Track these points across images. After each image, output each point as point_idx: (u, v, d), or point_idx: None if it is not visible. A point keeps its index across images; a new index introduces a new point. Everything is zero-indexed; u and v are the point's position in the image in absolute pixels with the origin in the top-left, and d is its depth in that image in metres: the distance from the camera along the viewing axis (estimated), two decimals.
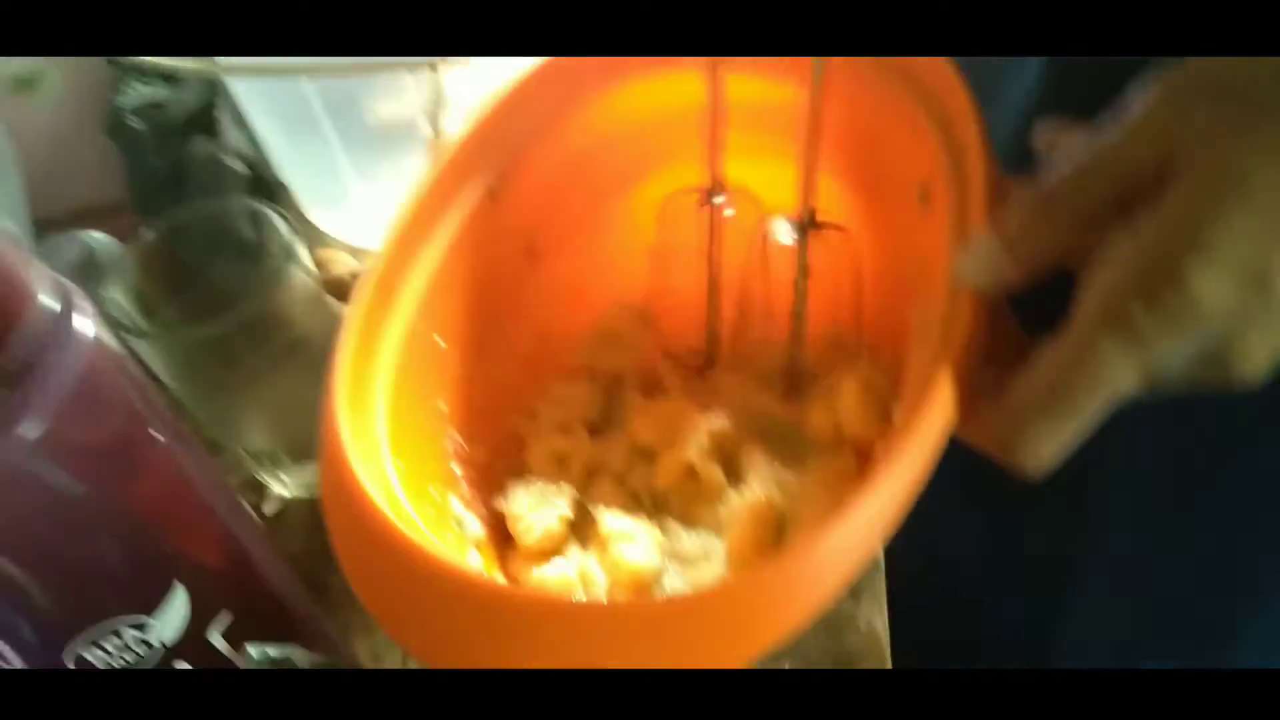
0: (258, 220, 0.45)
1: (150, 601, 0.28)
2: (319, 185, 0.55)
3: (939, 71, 0.35)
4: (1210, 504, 0.45)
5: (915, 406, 0.28)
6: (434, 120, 0.48)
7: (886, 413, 0.39)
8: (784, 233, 0.40)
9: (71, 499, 0.25)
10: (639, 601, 0.32)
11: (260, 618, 0.33)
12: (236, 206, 0.43)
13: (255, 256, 0.45)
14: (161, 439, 0.28)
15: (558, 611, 0.27)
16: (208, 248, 0.45)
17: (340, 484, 0.29)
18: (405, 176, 0.55)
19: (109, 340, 0.26)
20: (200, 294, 0.44)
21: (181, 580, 0.29)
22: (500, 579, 0.37)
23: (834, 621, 0.42)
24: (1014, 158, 0.33)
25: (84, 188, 0.53)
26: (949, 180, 0.35)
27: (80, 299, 0.26)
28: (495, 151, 0.39)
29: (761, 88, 0.40)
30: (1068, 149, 0.31)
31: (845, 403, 0.39)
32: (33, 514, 0.24)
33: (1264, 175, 0.23)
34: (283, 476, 0.46)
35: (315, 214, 0.57)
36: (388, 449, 0.33)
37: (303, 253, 0.45)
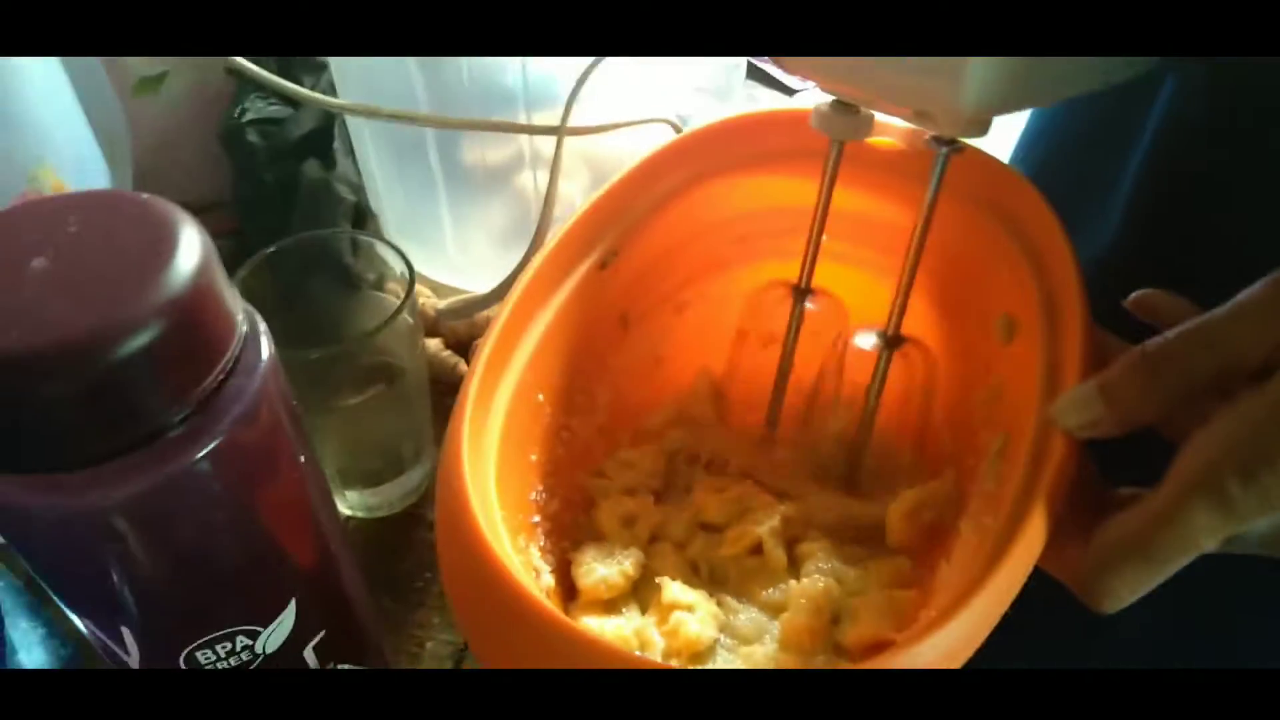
0: (361, 249, 0.47)
1: (269, 615, 0.29)
2: (413, 220, 0.57)
3: (1035, 208, 0.38)
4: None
5: (1011, 535, 0.30)
6: (551, 180, 0.50)
7: (932, 527, 0.41)
8: (867, 341, 0.43)
9: (221, 510, 0.26)
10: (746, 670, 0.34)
11: (346, 638, 0.34)
12: (347, 234, 0.45)
13: (355, 284, 0.47)
14: (302, 459, 0.30)
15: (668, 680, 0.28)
16: (310, 270, 0.46)
17: (459, 527, 0.31)
18: (496, 223, 0.57)
19: (277, 362, 0.28)
20: (297, 315, 0.46)
21: (295, 596, 0.30)
22: None
23: None
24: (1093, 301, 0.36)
25: (188, 193, 0.55)
26: (1040, 316, 0.37)
27: (260, 321, 0.28)
28: (612, 225, 0.42)
29: (865, 203, 0.43)
30: (1168, 316, 0.33)
31: (894, 513, 0.42)
32: (185, 522, 0.26)
33: None
34: (346, 494, 0.47)
35: (404, 248, 0.59)
36: (494, 495, 0.34)
37: (401, 286, 0.47)
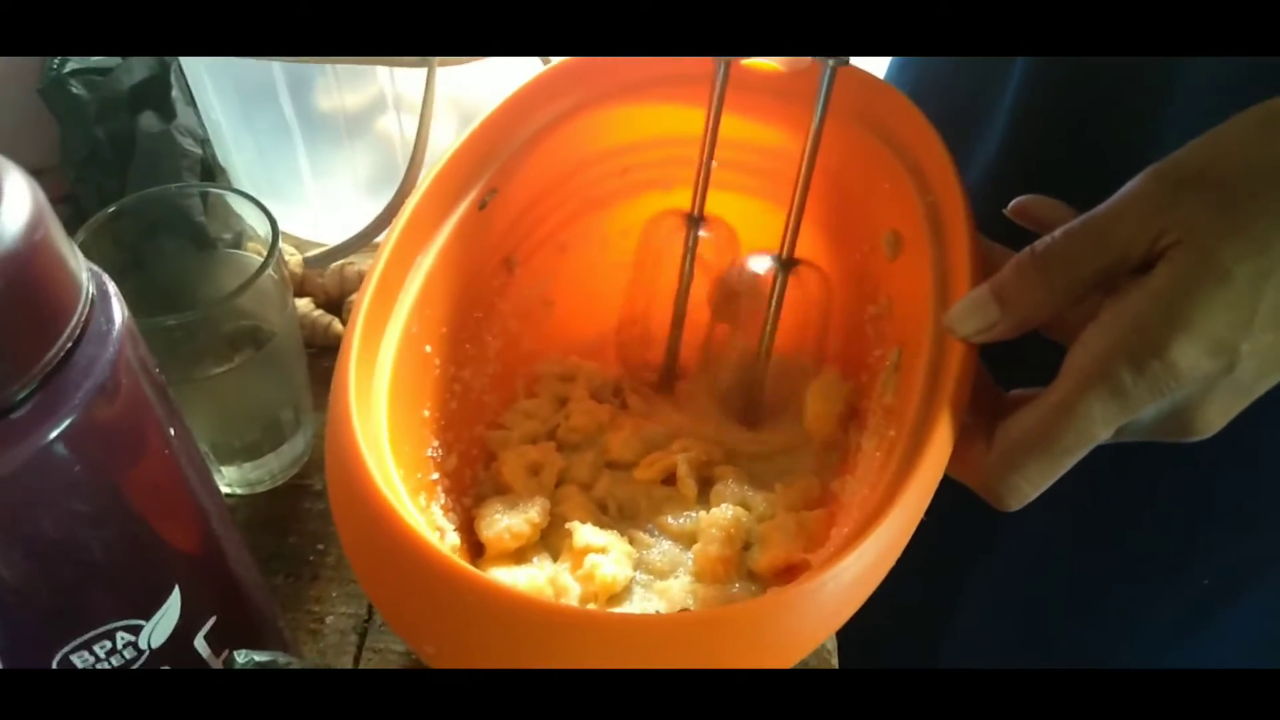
0: (213, 206, 0.43)
1: (150, 606, 0.27)
2: (268, 172, 0.53)
3: (914, 124, 0.38)
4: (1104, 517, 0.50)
5: (918, 445, 0.30)
6: (422, 119, 0.47)
7: (849, 413, 0.42)
8: (761, 265, 0.42)
9: (85, 496, 0.24)
10: (673, 616, 0.33)
11: (238, 622, 0.31)
12: (194, 188, 0.42)
13: (209, 244, 0.44)
14: (172, 432, 0.27)
15: (590, 622, 0.27)
16: (157, 231, 0.42)
17: (356, 493, 0.29)
18: (361, 171, 0.54)
19: (133, 328, 0.25)
20: (146, 280, 0.42)
21: (178, 583, 0.28)
22: None
23: None
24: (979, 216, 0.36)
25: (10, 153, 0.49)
26: (925, 230, 0.37)
27: (109, 283, 0.25)
28: (488, 162, 0.39)
29: (753, 130, 0.42)
30: (1049, 220, 0.34)
31: (811, 407, 0.42)
32: (44, 512, 0.23)
33: (1243, 268, 0.26)
34: (224, 471, 0.44)
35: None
36: (390, 455, 0.32)
37: (262, 245, 0.43)
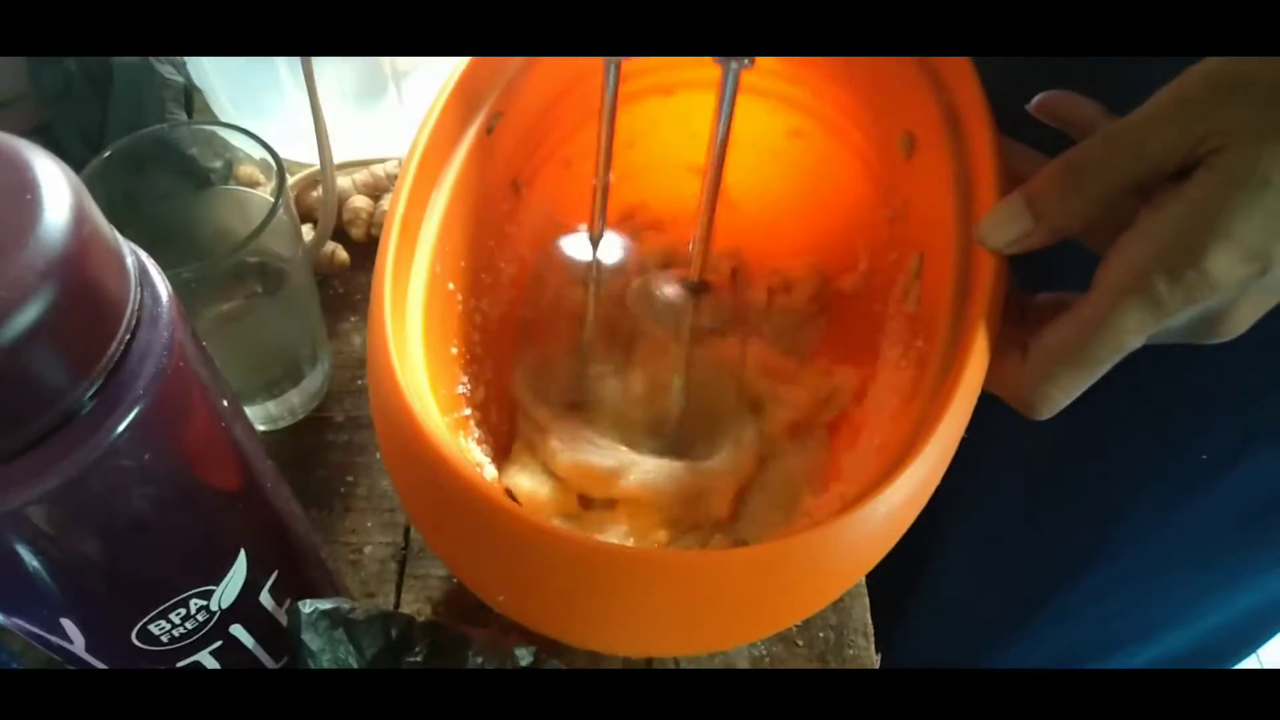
0: (203, 138, 0.42)
1: (219, 572, 0.27)
2: (248, 91, 0.51)
3: None
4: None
5: (957, 361, 0.30)
6: None
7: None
8: (670, 290, 0.41)
9: (154, 479, 0.24)
10: (730, 551, 0.34)
11: (296, 571, 0.32)
12: (186, 124, 0.40)
13: (203, 179, 0.42)
14: (225, 403, 0.27)
15: (646, 560, 0.28)
16: (150, 170, 0.41)
17: (414, 453, 0.29)
18: (348, 81, 0.52)
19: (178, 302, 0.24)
20: (144, 224, 0.41)
21: (243, 546, 0.28)
22: None
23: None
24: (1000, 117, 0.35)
25: None
26: (942, 130, 0.36)
27: (147, 260, 0.24)
28: (491, 85, 0.38)
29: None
30: (1076, 119, 0.33)
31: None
32: (120, 498, 0.23)
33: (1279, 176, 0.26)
34: (246, 411, 0.44)
35: (242, 123, 0.53)
36: (429, 396, 0.32)
37: (258, 170, 0.42)
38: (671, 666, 0.39)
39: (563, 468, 0.39)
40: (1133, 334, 0.29)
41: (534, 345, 0.43)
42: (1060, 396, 0.31)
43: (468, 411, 0.37)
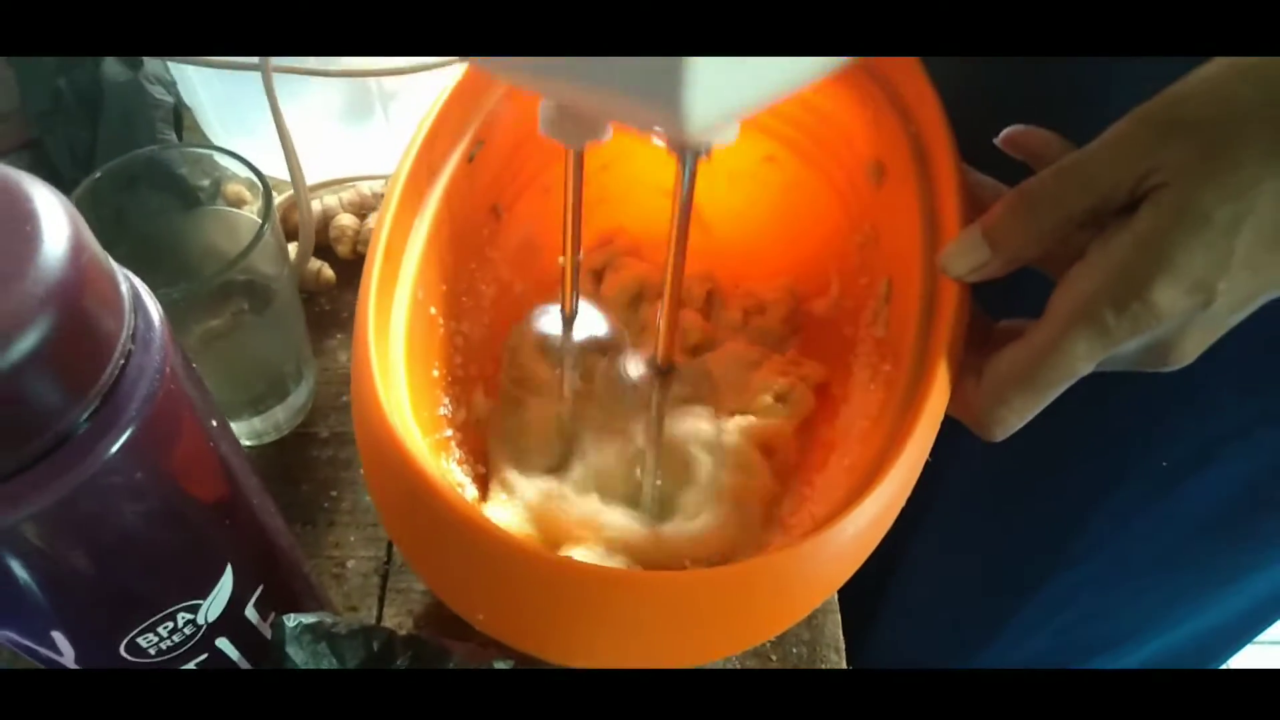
0: (192, 158, 0.42)
1: (206, 586, 0.28)
2: (236, 111, 0.52)
3: (899, 58, 0.38)
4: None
5: (920, 389, 0.32)
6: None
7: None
8: (636, 370, 0.40)
9: (145, 497, 0.25)
10: (703, 571, 0.34)
11: (281, 585, 0.33)
12: (177, 147, 0.41)
13: (192, 199, 0.43)
14: (214, 424, 0.28)
15: (604, 578, 0.29)
16: (139, 190, 0.42)
17: (390, 458, 0.30)
18: (334, 102, 0.53)
19: (169, 325, 0.25)
20: (133, 243, 0.42)
21: (230, 561, 0.29)
22: None
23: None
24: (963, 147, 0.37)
25: None
26: (910, 159, 0.38)
27: (139, 284, 0.25)
28: (473, 112, 0.39)
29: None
30: (1039, 151, 0.35)
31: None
32: (111, 515, 0.24)
33: (1222, 212, 0.28)
34: (232, 426, 0.45)
35: (228, 143, 0.54)
36: (411, 419, 0.33)
37: (245, 189, 0.43)
38: None
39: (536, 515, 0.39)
40: (1082, 361, 0.30)
41: (511, 413, 0.42)
42: (1013, 419, 0.32)
43: (449, 433, 0.38)
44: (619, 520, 0.38)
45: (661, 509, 0.40)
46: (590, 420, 0.42)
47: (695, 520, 0.38)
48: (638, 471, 0.40)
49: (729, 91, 0.21)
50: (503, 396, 0.43)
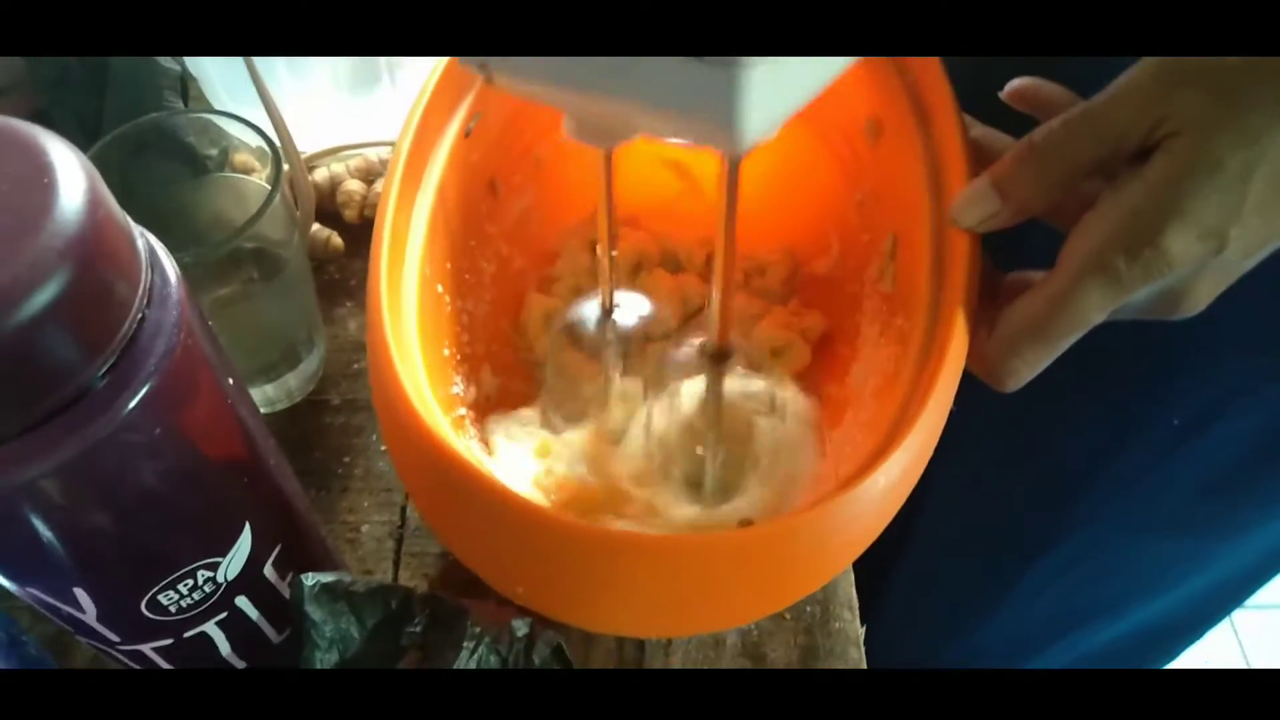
0: (197, 121, 0.42)
1: (225, 544, 0.28)
2: (243, 76, 0.52)
3: None
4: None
5: (940, 339, 0.31)
6: None
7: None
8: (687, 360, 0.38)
9: (164, 454, 0.25)
10: (720, 534, 0.34)
11: (298, 545, 0.33)
12: (184, 113, 0.41)
13: (201, 166, 0.43)
14: (231, 382, 0.28)
15: (636, 543, 0.29)
16: (148, 157, 0.42)
17: (429, 459, 0.29)
18: (341, 70, 0.52)
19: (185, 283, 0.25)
20: (142, 210, 0.42)
21: (249, 520, 0.29)
22: None
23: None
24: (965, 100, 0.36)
25: None
26: (908, 115, 0.38)
27: (152, 238, 0.25)
28: (467, 87, 0.39)
29: None
30: (1046, 103, 0.35)
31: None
32: (130, 472, 0.24)
33: (1234, 159, 0.28)
34: None
35: (236, 109, 0.53)
36: (434, 401, 0.33)
37: (254, 157, 0.43)
38: (661, 653, 0.40)
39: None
40: (1094, 310, 0.30)
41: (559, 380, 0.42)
42: (1025, 370, 0.32)
43: (463, 411, 0.38)
44: (673, 504, 0.37)
45: (723, 489, 0.39)
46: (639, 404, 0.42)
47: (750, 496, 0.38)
48: (698, 450, 0.38)
49: (777, 101, 0.21)
50: (550, 369, 0.42)
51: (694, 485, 0.39)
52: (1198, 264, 0.30)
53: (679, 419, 0.40)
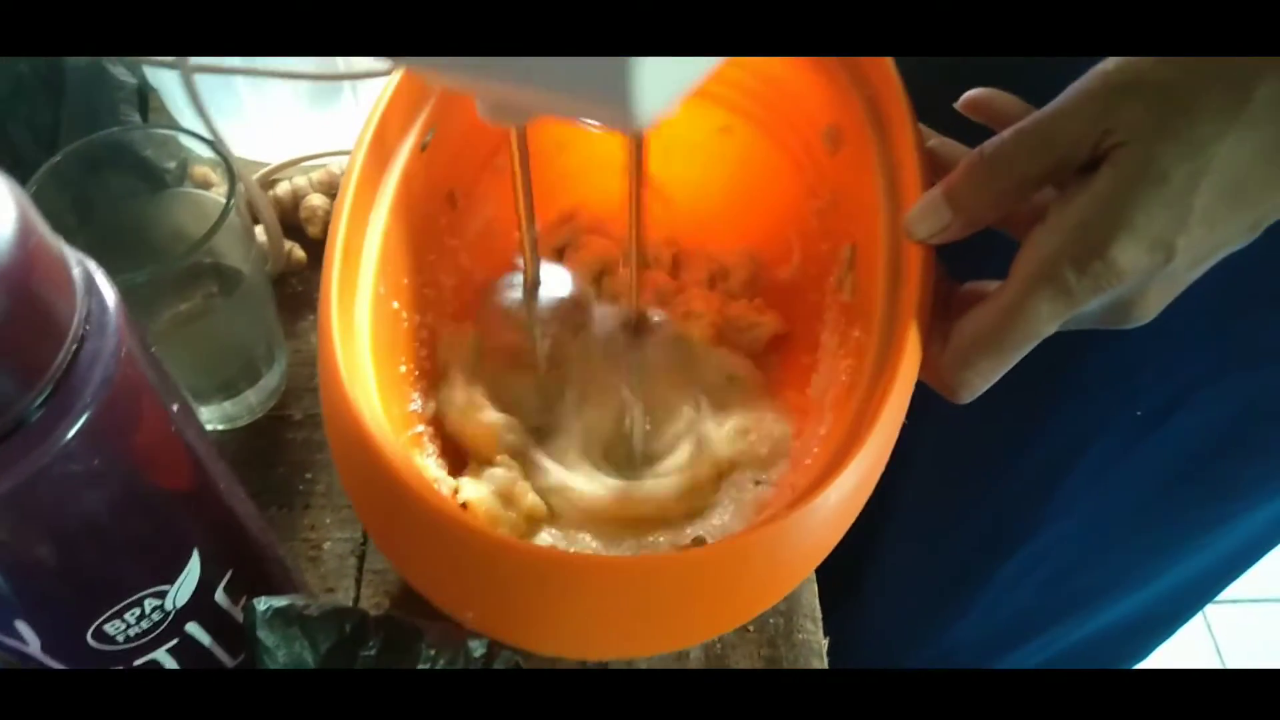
0: (158, 139, 0.42)
1: (173, 571, 0.28)
2: (203, 89, 0.51)
3: None
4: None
5: (895, 358, 0.31)
6: None
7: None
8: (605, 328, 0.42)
9: (104, 483, 0.24)
10: (672, 554, 0.34)
11: (251, 568, 0.33)
12: (141, 129, 0.40)
13: (158, 181, 0.43)
14: (176, 409, 0.27)
15: (586, 565, 0.29)
16: (103, 172, 0.41)
17: (379, 481, 0.29)
18: (301, 82, 0.52)
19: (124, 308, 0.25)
20: (98, 227, 0.41)
21: (196, 546, 0.29)
22: None
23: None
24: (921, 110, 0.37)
25: None
26: (866, 124, 0.38)
27: (93, 267, 0.25)
28: (423, 101, 0.39)
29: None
30: (1000, 113, 0.35)
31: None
32: (71, 502, 0.24)
33: (1177, 172, 0.28)
34: (203, 410, 0.44)
35: (194, 122, 0.53)
36: (384, 420, 0.33)
37: (212, 170, 0.42)
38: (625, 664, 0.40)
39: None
40: (1045, 322, 0.31)
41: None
42: (979, 382, 0.33)
43: (420, 428, 0.38)
44: (588, 485, 0.38)
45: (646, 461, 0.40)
46: (570, 382, 0.42)
47: (668, 478, 0.38)
48: (627, 421, 0.40)
49: (672, 83, 0.21)
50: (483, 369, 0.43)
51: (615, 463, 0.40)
52: (1146, 275, 0.30)
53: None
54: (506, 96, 0.25)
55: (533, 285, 0.38)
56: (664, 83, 0.20)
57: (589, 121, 0.26)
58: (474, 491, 0.38)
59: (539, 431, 0.41)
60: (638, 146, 0.30)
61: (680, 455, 0.40)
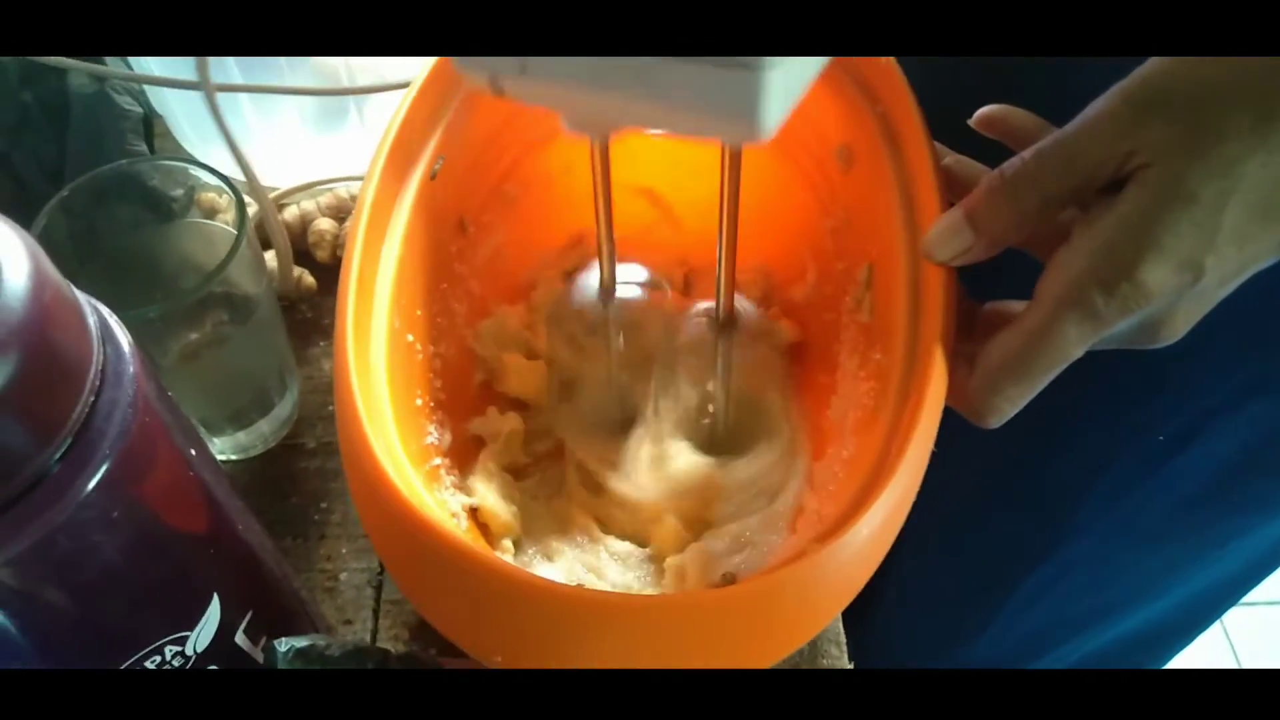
0: (164, 170, 0.42)
1: (193, 617, 0.27)
2: (208, 118, 0.51)
3: None
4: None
5: (920, 384, 0.31)
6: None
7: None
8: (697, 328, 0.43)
9: (124, 532, 0.24)
10: (705, 593, 0.34)
11: (271, 609, 0.32)
12: (148, 160, 0.40)
13: (166, 212, 0.42)
14: (194, 452, 0.27)
15: (601, 606, 0.28)
16: (111, 204, 0.41)
17: (389, 509, 0.29)
18: (307, 108, 0.52)
19: (140, 354, 0.25)
20: (106, 259, 0.41)
21: (216, 590, 0.28)
22: None
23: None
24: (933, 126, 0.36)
25: None
26: (879, 142, 0.37)
27: (107, 314, 0.24)
28: (430, 129, 0.38)
29: None
30: (1016, 131, 0.34)
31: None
32: (90, 553, 0.23)
33: (1206, 190, 0.27)
34: (216, 441, 0.44)
35: (200, 151, 0.53)
36: (406, 460, 0.32)
37: (218, 197, 0.42)
38: None
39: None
40: (1073, 345, 0.30)
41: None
42: (1007, 407, 0.32)
43: (438, 461, 0.37)
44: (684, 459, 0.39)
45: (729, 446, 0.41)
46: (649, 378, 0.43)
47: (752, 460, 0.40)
48: (710, 407, 0.42)
49: (788, 94, 0.22)
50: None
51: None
52: (1175, 295, 0.29)
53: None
54: (618, 109, 0.25)
55: (609, 289, 0.39)
56: (785, 93, 0.21)
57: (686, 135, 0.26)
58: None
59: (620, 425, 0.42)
60: (736, 155, 0.32)
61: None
